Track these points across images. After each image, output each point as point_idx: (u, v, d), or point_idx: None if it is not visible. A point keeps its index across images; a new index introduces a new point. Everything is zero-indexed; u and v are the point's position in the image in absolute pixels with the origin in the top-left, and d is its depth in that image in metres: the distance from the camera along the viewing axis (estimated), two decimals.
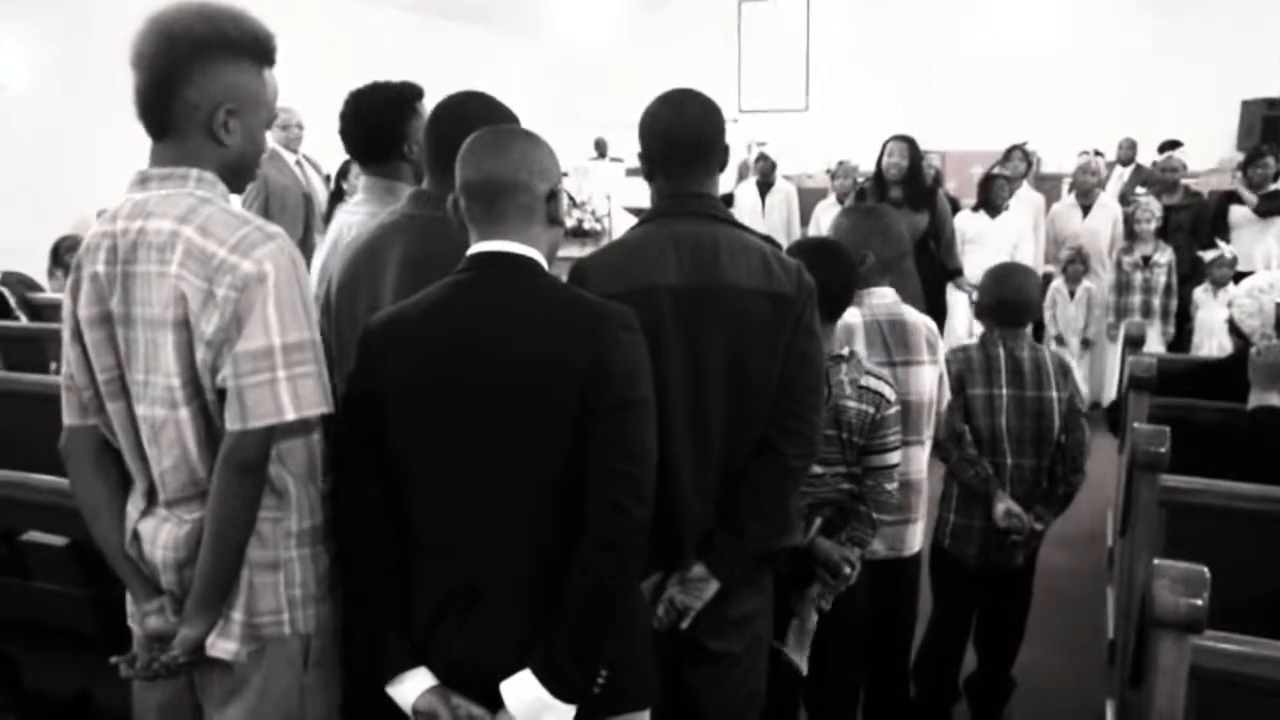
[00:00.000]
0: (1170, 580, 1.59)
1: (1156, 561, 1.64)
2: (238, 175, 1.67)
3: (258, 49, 1.63)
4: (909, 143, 5.04)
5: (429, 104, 2.25)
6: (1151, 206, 6.05)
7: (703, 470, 1.87)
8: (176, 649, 1.60)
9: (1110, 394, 6.15)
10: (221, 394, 1.54)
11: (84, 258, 1.61)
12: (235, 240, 1.52)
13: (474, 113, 1.96)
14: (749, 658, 2.00)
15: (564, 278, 1.75)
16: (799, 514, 2.16)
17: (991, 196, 6.28)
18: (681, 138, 1.92)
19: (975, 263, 5.84)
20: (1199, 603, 1.57)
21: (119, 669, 1.65)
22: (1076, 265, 6.47)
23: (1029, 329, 2.91)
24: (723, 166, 1.97)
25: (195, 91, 1.57)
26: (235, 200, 1.66)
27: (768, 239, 2.17)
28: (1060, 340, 6.47)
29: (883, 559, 2.53)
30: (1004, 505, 2.77)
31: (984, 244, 6.14)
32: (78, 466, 1.70)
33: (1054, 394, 2.82)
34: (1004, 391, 2.80)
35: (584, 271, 1.88)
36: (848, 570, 2.26)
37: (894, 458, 2.32)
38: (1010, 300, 2.86)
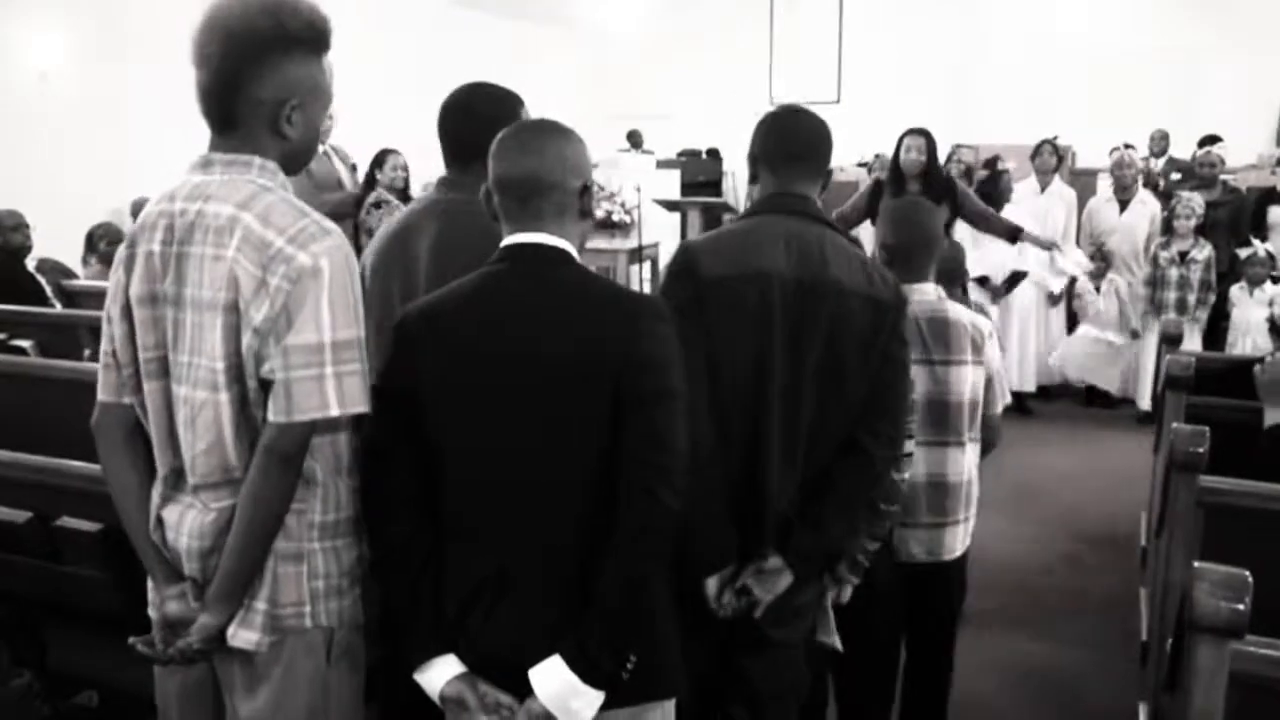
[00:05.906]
0: (1211, 584, 1.55)
1: (1197, 564, 1.61)
2: (296, 162, 1.68)
3: (315, 37, 1.61)
4: (925, 136, 5.09)
5: None
6: (1193, 203, 5.92)
7: (788, 464, 1.92)
8: (194, 636, 1.58)
9: (1146, 391, 6.06)
10: (262, 383, 1.54)
11: (139, 235, 1.61)
12: (294, 231, 1.52)
13: (479, 105, 2.07)
14: (800, 645, 2.07)
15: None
16: None
17: (999, 189, 6.22)
18: (798, 138, 2.04)
19: (984, 253, 5.88)
20: (1240, 607, 1.53)
21: (135, 648, 1.65)
22: (1097, 262, 6.41)
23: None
24: (824, 185, 2.07)
25: (261, 89, 1.56)
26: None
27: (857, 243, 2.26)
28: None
29: (921, 563, 2.49)
30: None
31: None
32: (108, 444, 1.70)
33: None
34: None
35: (694, 253, 1.96)
36: (842, 569, 2.19)
37: (905, 446, 2.27)
38: None
